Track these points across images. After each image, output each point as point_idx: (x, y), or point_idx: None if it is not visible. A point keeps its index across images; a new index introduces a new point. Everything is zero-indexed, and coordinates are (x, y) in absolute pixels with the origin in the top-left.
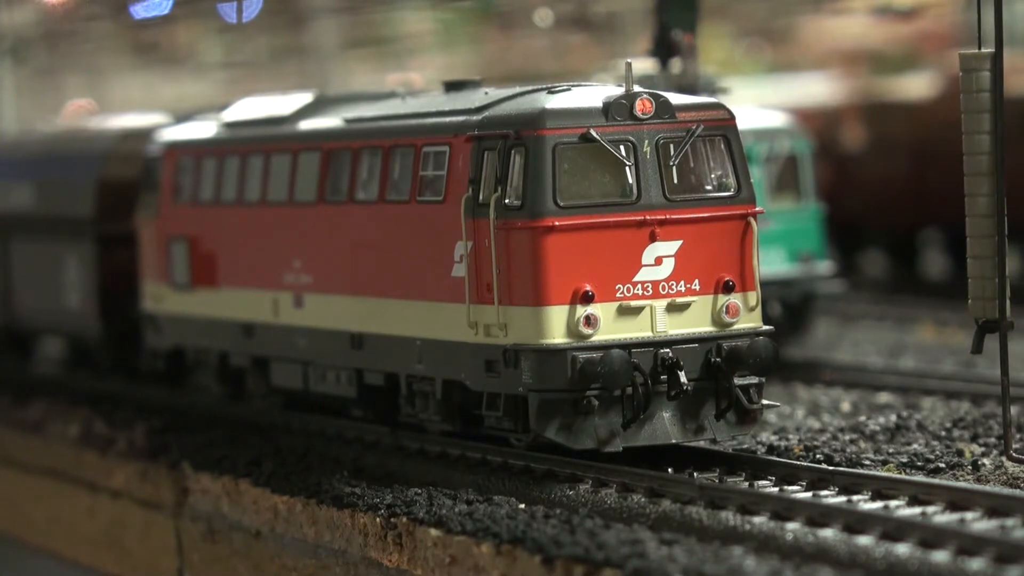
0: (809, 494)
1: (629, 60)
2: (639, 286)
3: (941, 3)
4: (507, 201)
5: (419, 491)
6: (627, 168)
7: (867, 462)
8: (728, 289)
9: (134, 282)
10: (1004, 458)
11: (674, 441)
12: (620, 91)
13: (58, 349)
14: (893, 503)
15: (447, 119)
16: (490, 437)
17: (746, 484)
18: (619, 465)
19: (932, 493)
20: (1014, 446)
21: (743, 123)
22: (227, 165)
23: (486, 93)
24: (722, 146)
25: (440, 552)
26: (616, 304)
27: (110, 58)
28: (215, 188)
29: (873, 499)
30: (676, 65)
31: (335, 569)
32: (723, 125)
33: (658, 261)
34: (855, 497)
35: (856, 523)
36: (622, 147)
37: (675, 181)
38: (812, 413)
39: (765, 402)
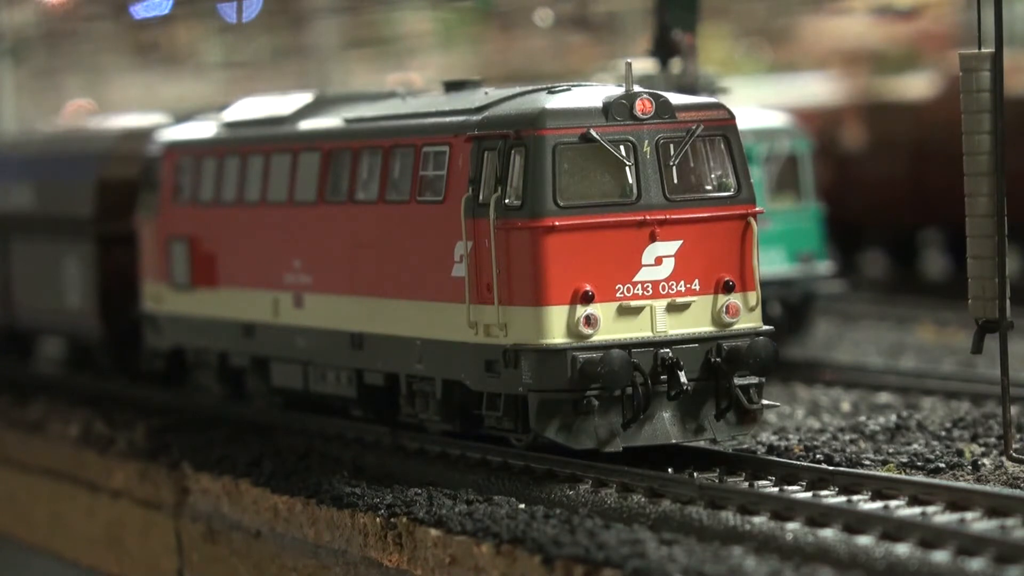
0: (809, 494)
1: (629, 60)
2: (639, 286)
3: (941, 3)
4: (507, 201)
5: (419, 491)
6: (627, 168)
7: (867, 462)
8: (728, 289)
9: (134, 282)
10: (1004, 458)
11: (674, 441)
12: (620, 91)
13: (58, 349)
14: (893, 503)
15: (447, 119)
16: (490, 437)
17: (746, 484)
18: (619, 465)
19: (932, 493)
20: (1014, 446)
21: (743, 123)
22: (227, 165)
23: (486, 93)
24: (722, 146)
25: (440, 552)
26: (616, 304)
27: (110, 58)
28: (215, 188)
29: (873, 499)
30: (676, 65)
31: (335, 569)
32: (723, 125)
33: (658, 261)
34: (855, 497)
35: (856, 523)
36: (622, 147)
37: (675, 181)
38: (812, 413)
39: (765, 402)
